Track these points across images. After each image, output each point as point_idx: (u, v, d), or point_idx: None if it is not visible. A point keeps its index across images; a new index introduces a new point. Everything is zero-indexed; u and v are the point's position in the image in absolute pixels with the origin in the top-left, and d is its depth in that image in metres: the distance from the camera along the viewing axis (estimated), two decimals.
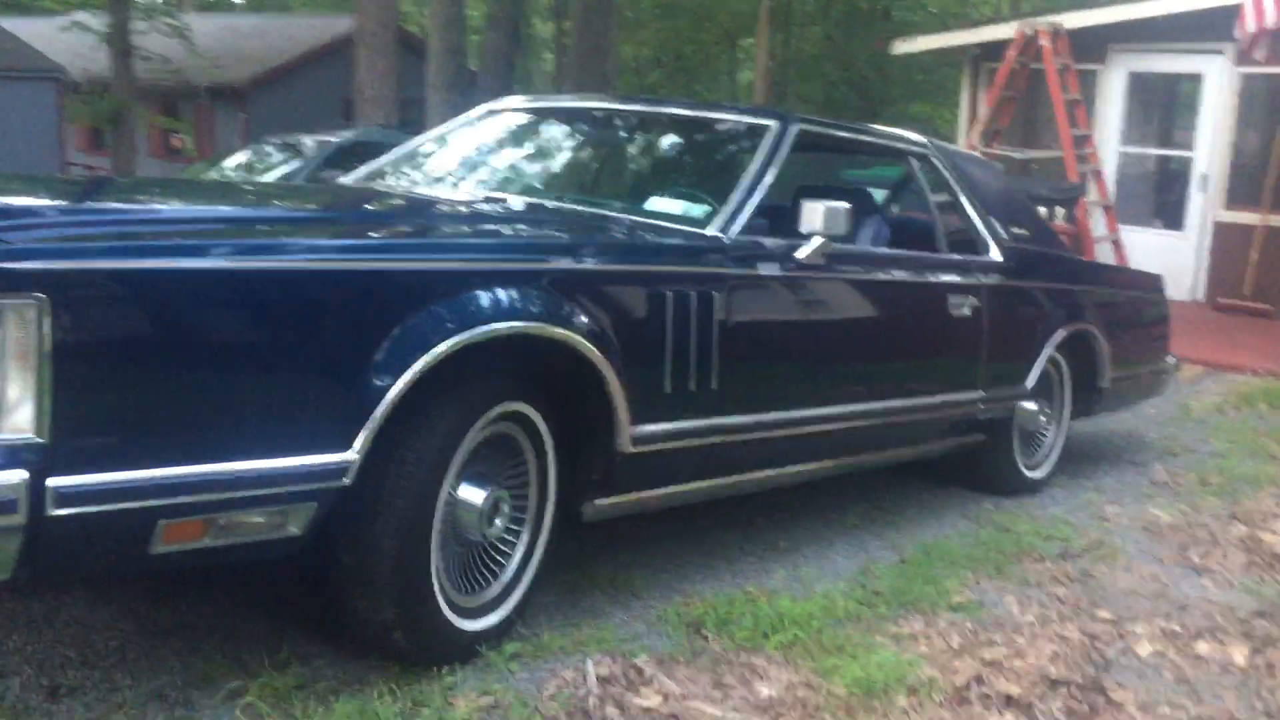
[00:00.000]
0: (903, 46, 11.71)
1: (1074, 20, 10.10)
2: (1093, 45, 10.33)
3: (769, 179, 3.59)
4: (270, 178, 8.72)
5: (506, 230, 3.10)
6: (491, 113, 4.48)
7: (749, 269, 3.35)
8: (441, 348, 2.49)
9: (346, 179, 4.14)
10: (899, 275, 4.00)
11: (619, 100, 4.45)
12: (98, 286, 2.08)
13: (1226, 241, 10.09)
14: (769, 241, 3.49)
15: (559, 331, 2.76)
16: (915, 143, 4.48)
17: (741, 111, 4.02)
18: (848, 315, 3.75)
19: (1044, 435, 5.00)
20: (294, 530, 2.40)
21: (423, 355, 2.46)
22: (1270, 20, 7.25)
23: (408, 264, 2.54)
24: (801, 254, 3.48)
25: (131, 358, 2.13)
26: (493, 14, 16.61)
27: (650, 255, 3.17)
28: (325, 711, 2.45)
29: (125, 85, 18.73)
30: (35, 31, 21.90)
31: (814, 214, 3.44)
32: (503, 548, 2.94)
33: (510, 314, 2.67)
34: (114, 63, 18.51)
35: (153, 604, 2.94)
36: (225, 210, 2.83)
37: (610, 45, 14.67)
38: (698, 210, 3.53)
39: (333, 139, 8.58)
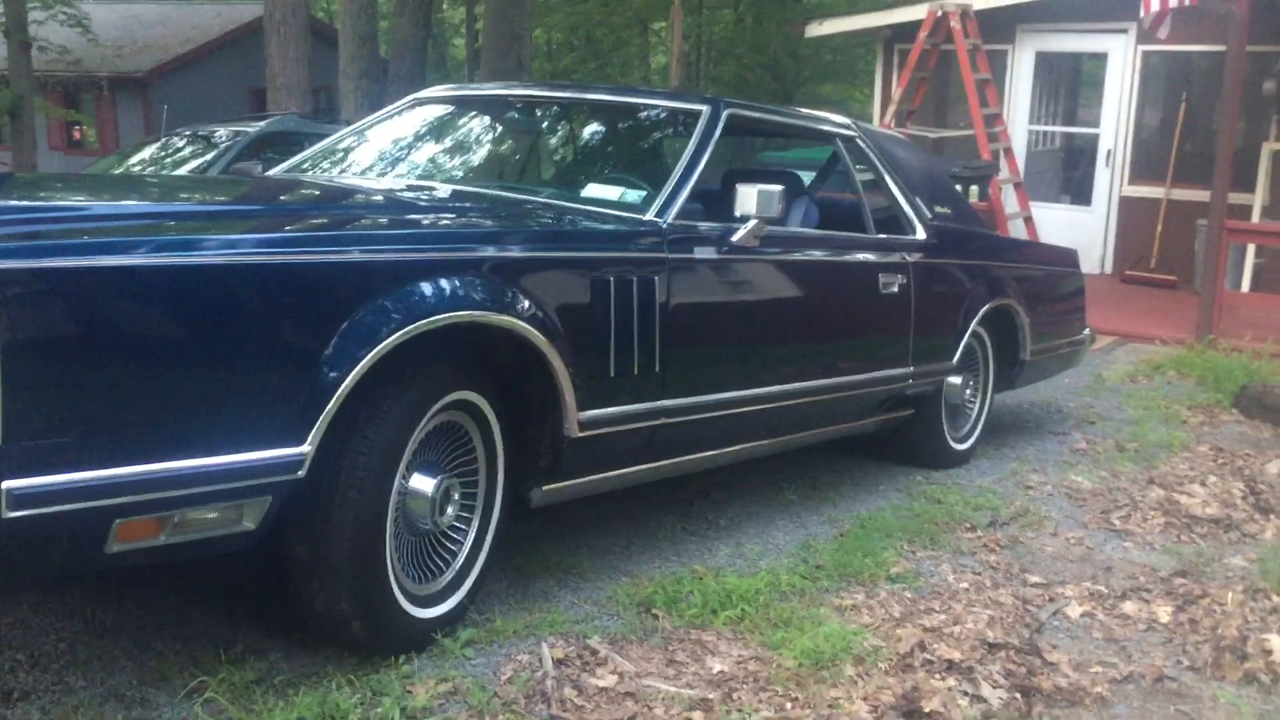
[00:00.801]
0: (816, 29, 11.84)
1: (982, 1, 10.30)
2: (1001, 25, 10.55)
3: (702, 163, 3.63)
4: (182, 171, 8.51)
5: (445, 220, 3.10)
6: (419, 102, 4.46)
7: (687, 253, 3.40)
8: (390, 339, 2.50)
9: (274, 171, 4.09)
10: (831, 256, 4.08)
11: (549, 88, 4.46)
12: (45, 285, 2.05)
13: (1132, 215, 10.40)
14: (704, 225, 3.54)
15: (504, 319, 2.78)
16: (841, 124, 4.57)
17: (673, 97, 4.06)
18: (784, 296, 3.81)
19: (969, 408, 5.13)
20: (249, 525, 2.39)
21: (372, 347, 2.46)
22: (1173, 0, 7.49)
23: (352, 256, 2.53)
24: (737, 237, 3.54)
25: (81, 357, 2.11)
26: None
27: (591, 241, 3.19)
28: (286, 705, 2.45)
29: (23, 77, 18.16)
30: None
31: (748, 197, 3.50)
32: (454, 535, 2.96)
33: (455, 303, 2.68)
34: (11, 54, 17.94)
35: (100, 604, 2.90)
36: (167, 206, 2.79)
37: (524, 30, 14.58)
38: (634, 196, 3.56)
39: (248, 129, 8.41)
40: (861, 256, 4.22)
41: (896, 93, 10.64)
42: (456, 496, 2.89)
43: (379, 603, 2.63)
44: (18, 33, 17.85)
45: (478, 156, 4.23)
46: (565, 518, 3.78)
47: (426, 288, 2.63)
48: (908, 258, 4.42)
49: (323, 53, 19.13)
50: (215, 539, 2.37)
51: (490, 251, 2.86)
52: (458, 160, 4.16)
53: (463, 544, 2.97)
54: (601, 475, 3.29)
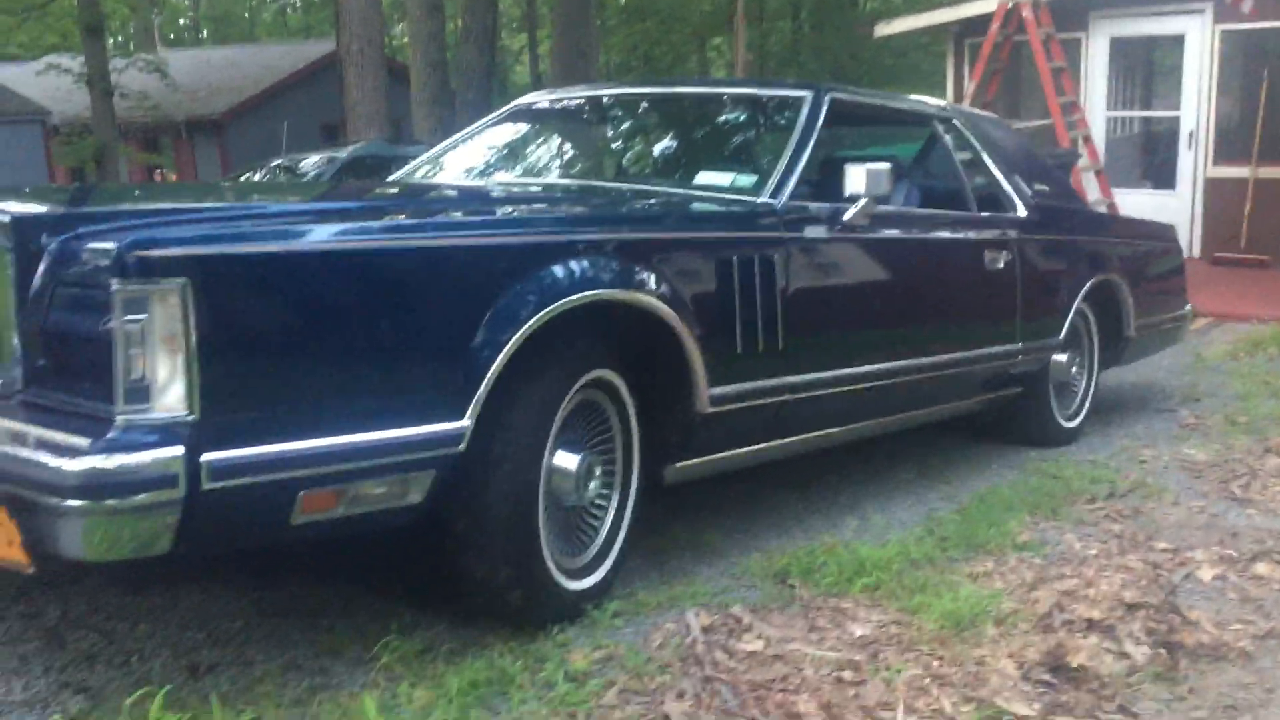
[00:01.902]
0: (884, 29, 11.87)
1: None
2: (1073, 13, 10.49)
3: (810, 146, 3.70)
4: None
5: (576, 207, 3.21)
6: (520, 108, 4.58)
7: (802, 232, 3.47)
8: (540, 314, 2.60)
9: (394, 178, 4.24)
10: (939, 234, 4.13)
11: (647, 84, 4.57)
12: (235, 269, 2.19)
13: (1219, 197, 10.26)
14: (814, 206, 3.60)
15: (640, 297, 2.88)
16: (938, 107, 4.61)
17: (773, 85, 4.14)
18: (896, 273, 3.86)
19: (1075, 386, 5.12)
20: (415, 498, 2.50)
21: (525, 321, 2.56)
22: None
23: (506, 239, 2.66)
24: (848, 216, 3.60)
25: (268, 336, 2.24)
26: (467, 27, 16.71)
27: (714, 222, 3.28)
28: (456, 670, 2.55)
29: (106, 124, 18.77)
30: (17, 75, 21.91)
31: (857, 176, 3.56)
32: (595, 512, 3.04)
33: (595, 282, 2.77)
34: (94, 102, 18.55)
35: (263, 589, 3.03)
36: (326, 203, 2.93)
37: (591, 49, 14.81)
38: (745, 180, 3.64)
39: (338, 154, 8.65)
40: (967, 234, 4.25)
41: (970, 87, 10.62)
42: (598, 472, 2.97)
43: (535, 573, 2.72)
44: (100, 81, 18.48)
45: (584, 154, 4.35)
46: (690, 500, 3.85)
47: (569, 268, 2.73)
48: (1011, 235, 4.44)
49: (390, 85, 19.52)
50: (385, 512, 2.48)
51: (623, 234, 2.95)
52: (566, 159, 4.27)
53: (604, 520, 3.06)
54: (731, 452, 3.36)
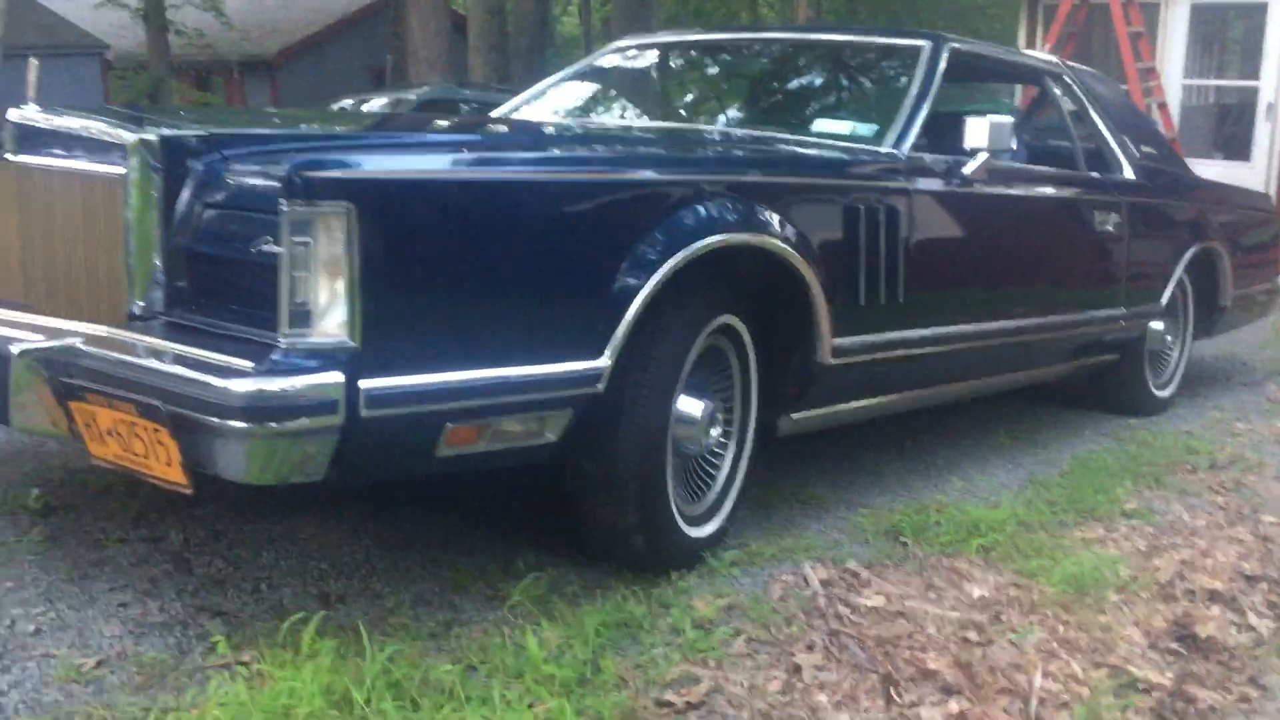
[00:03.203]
0: None
1: None
2: None
3: (930, 97, 3.61)
4: None
5: (704, 150, 3.14)
6: (619, 50, 4.49)
7: (922, 184, 3.39)
8: (680, 256, 2.54)
9: (498, 113, 4.17)
10: (1053, 192, 4.04)
11: (759, 30, 4.47)
12: (400, 195, 2.14)
13: None
14: (932, 158, 3.52)
15: (774, 242, 2.82)
16: (1050, 62, 4.50)
17: (890, 34, 4.04)
18: (1012, 230, 3.79)
19: (1169, 355, 5.02)
20: (551, 436, 2.46)
21: (665, 264, 2.51)
22: None
23: (653, 176, 2.62)
24: (969, 169, 3.52)
25: (425, 265, 2.19)
26: None
27: (839, 169, 3.21)
28: (584, 610, 2.52)
29: (160, 60, 18.75)
30: (75, 8, 21.91)
31: (979, 130, 3.48)
32: (712, 459, 3.00)
33: (729, 225, 2.71)
34: (149, 38, 18.53)
35: (382, 525, 3.01)
36: (477, 136, 2.87)
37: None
38: (865, 129, 3.56)
39: (409, 95, 8.59)
40: (1080, 194, 4.16)
41: (1044, 49, 10.40)
42: (719, 419, 2.93)
43: (660, 518, 2.69)
44: (155, 17, 18.45)
45: (692, 99, 4.27)
46: (790, 457, 3.80)
47: (703, 211, 2.67)
48: (1120, 197, 4.34)
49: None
50: (521, 450, 2.44)
51: (753, 178, 2.89)
52: (673, 104, 4.19)
53: (720, 468, 3.01)
54: (846, 405, 3.31)
